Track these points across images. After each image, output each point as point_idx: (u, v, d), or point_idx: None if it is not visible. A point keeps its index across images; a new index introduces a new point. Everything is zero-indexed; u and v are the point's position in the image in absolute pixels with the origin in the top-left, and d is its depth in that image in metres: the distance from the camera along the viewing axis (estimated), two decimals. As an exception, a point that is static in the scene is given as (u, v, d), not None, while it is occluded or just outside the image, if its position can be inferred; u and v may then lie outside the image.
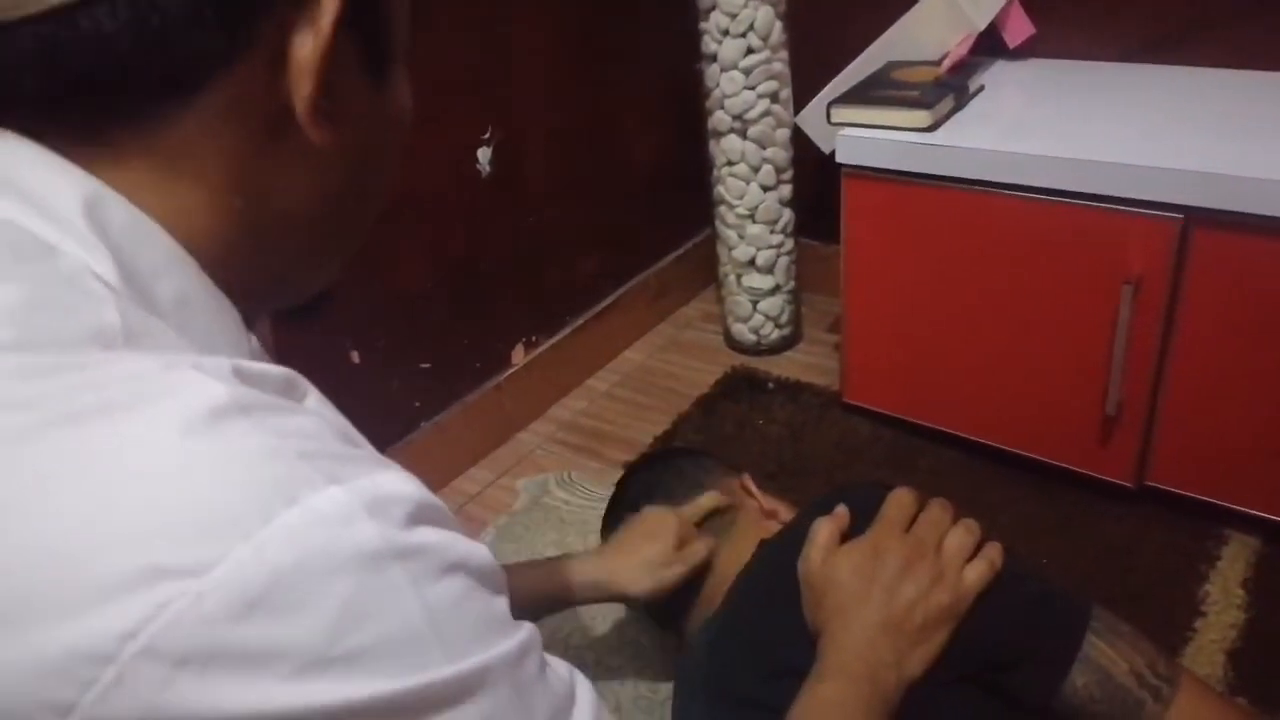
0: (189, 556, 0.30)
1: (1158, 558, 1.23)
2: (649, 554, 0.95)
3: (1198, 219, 1.12)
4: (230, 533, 0.30)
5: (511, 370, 1.63)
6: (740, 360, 1.78)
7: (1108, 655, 0.72)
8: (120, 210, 0.38)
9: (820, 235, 1.81)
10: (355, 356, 1.38)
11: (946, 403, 1.44)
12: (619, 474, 1.19)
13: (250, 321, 0.44)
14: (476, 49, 1.45)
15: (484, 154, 1.50)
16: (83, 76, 0.36)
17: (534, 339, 1.68)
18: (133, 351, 0.34)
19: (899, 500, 0.80)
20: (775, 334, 1.79)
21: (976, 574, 0.74)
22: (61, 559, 0.29)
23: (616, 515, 1.15)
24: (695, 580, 0.97)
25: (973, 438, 1.42)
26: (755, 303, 1.76)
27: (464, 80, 1.44)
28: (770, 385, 1.69)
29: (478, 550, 0.37)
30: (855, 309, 1.47)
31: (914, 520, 0.78)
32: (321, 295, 0.51)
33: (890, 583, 0.73)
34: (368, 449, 0.38)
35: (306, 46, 0.38)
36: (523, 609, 1.00)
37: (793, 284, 1.78)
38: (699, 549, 0.96)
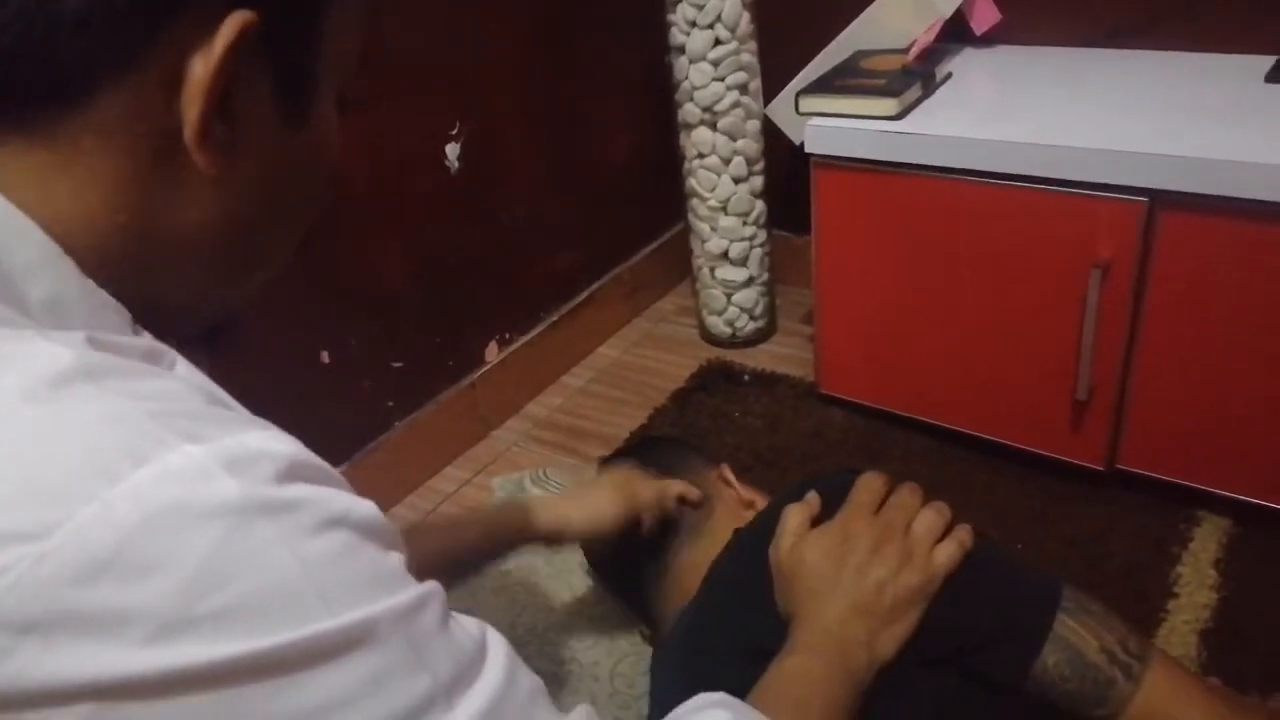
0: (29, 520, 0.29)
1: (1130, 540, 1.23)
2: (597, 498, 0.97)
3: (1163, 201, 1.13)
4: (73, 495, 0.30)
5: (485, 368, 1.62)
6: (715, 353, 1.78)
7: (1078, 634, 0.72)
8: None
9: (793, 227, 1.81)
10: (325, 357, 1.36)
11: (920, 391, 1.44)
12: (594, 469, 1.18)
13: (166, 336, 0.42)
14: (443, 44, 1.44)
15: (452, 150, 1.49)
16: None
17: (507, 336, 1.67)
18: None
19: (868, 484, 0.79)
20: (750, 326, 1.79)
21: (946, 555, 0.74)
22: None
23: None
24: (660, 555, 0.98)
25: (946, 425, 1.43)
26: (729, 295, 1.76)
27: (431, 77, 1.43)
28: (746, 378, 1.69)
29: (363, 506, 0.36)
30: (827, 299, 1.47)
31: (884, 504, 0.78)
32: (221, 328, 0.49)
33: (860, 564, 0.73)
34: (240, 411, 0.37)
35: (199, 69, 0.37)
36: (474, 550, 0.98)
37: (766, 276, 1.78)
38: (644, 491, 0.97)
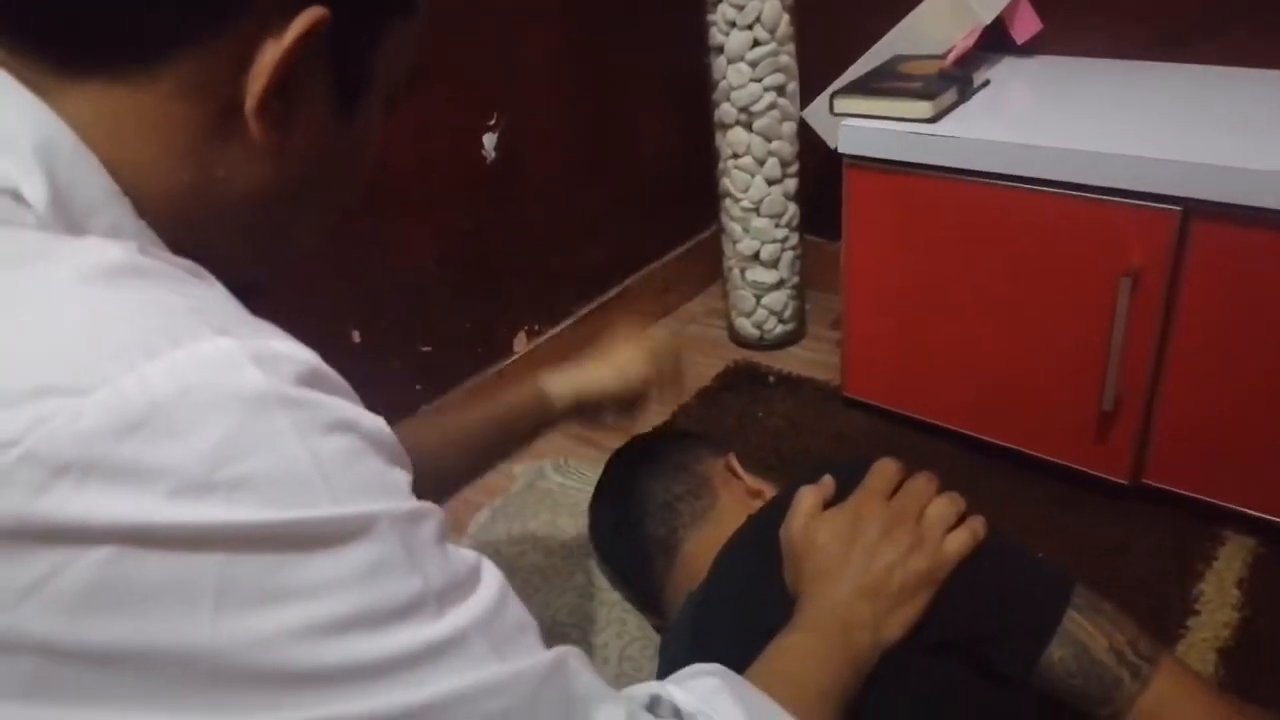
0: (74, 379, 0.32)
1: (1152, 555, 1.21)
2: (624, 356, 0.97)
3: (1196, 211, 1.12)
4: (115, 363, 0.32)
5: (513, 358, 1.64)
6: (743, 354, 1.78)
7: (1087, 631, 0.72)
8: (68, 147, 0.40)
9: (828, 233, 1.80)
10: (356, 336, 1.39)
11: (945, 397, 1.43)
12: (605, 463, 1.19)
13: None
14: (486, 38, 1.46)
15: (490, 140, 1.51)
16: (72, 20, 0.39)
17: (537, 328, 1.69)
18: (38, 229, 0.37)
19: (882, 469, 0.80)
20: (779, 329, 1.79)
21: (957, 542, 0.74)
22: None
23: (602, 498, 1.15)
24: (666, 544, 0.98)
25: (970, 432, 1.42)
26: (759, 297, 1.76)
27: (472, 68, 1.45)
28: (771, 379, 1.69)
29: (374, 421, 0.38)
30: (855, 301, 1.47)
31: (898, 490, 0.78)
32: (250, 287, 0.52)
33: (869, 547, 0.73)
34: (271, 327, 0.39)
35: (270, 53, 0.41)
36: (503, 431, 0.94)
37: (797, 279, 1.78)
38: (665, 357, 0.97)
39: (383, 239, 1.39)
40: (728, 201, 1.72)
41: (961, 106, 1.36)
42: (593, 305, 1.79)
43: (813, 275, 1.83)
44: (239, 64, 0.41)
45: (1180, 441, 1.24)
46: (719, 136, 1.68)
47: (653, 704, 0.51)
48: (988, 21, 1.44)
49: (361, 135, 0.49)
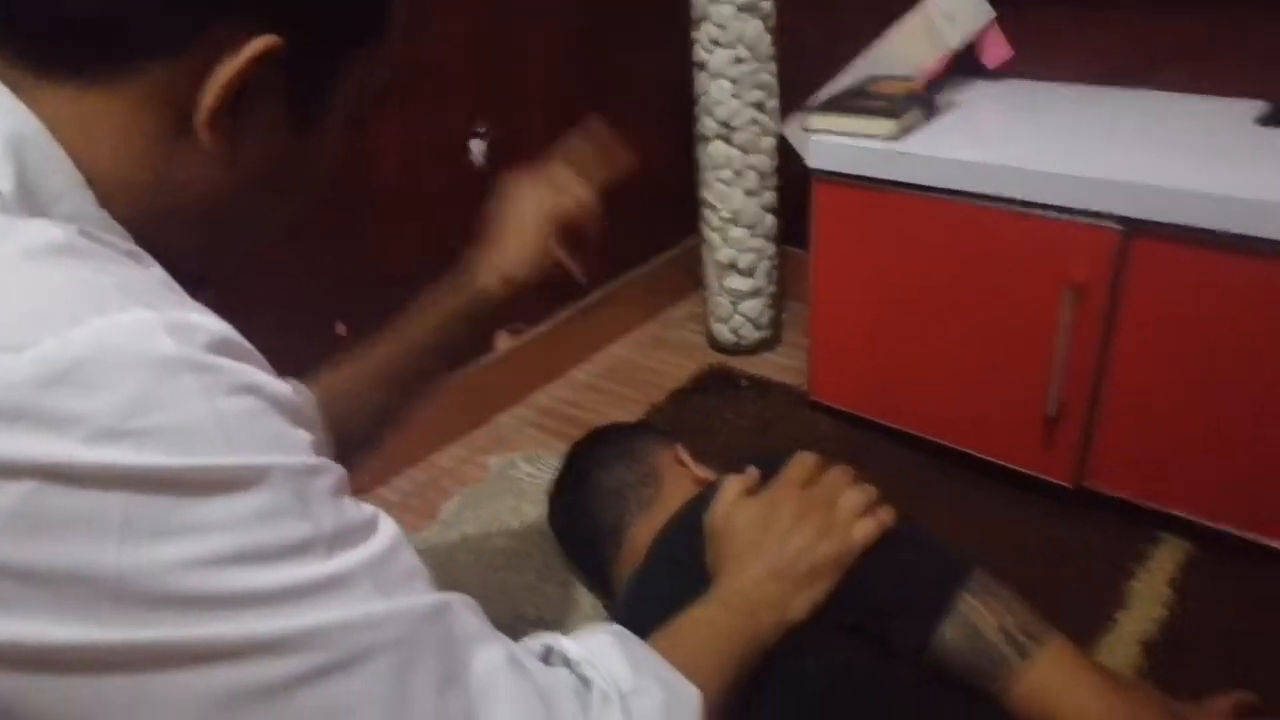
0: (9, 339, 0.38)
1: (1090, 555, 1.27)
2: (518, 238, 0.98)
3: (1137, 229, 1.18)
4: (43, 327, 0.38)
5: (494, 355, 1.71)
6: (719, 359, 1.84)
7: (979, 612, 0.77)
8: (38, 140, 0.46)
9: (803, 244, 1.86)
10: (341, 329, 1.46)
11: (904, 402, 1.49)
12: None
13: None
14: (477, 46, 1.53)
15: (477, 146, 1.58)
16: (56, 30, 0.45)
17: (520, 327, 1.75)
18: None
19: (801, 461, 0.86)
20: (754, 335, 1.85)
21: (864, 530, 0.80)
22: None
23: (559, 485, 1.21)
24: (616, 529, 1.03)
25: (927, 436, 1.48)
26: (735, 304, 1.82)
27: (464, 76, 1.53)
28: (743, 383, 1.75)
29: (278, 384, 0.44)
30: (822, 309, 1.53)
31: (814, 480, 0.84)
32: (205, 277, 0.57)
33: (782, 532, 0.79)
34: (195, 304, 0.45)
35: (224, 71, 0.47)
36: (402, 362, 0.95)
37: (773, 288, 1.84)
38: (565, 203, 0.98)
39: (371, 237, 1.46)
40: (707, 211, 1.79)
41: (927, 126, 1.42)
42: (576, 308, 1.85)
43: (791, 285, 1.89)
44: (199, 78, 0.47)
45: (1120, 448, 1.29)
46: (700, 149, 1.75)
47: (546, 654, 0.57)
48: (956, 48, 1.50)
49: (320, 147, 0.54)
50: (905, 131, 1.39)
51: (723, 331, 1.86)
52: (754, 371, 1.78)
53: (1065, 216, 1.22)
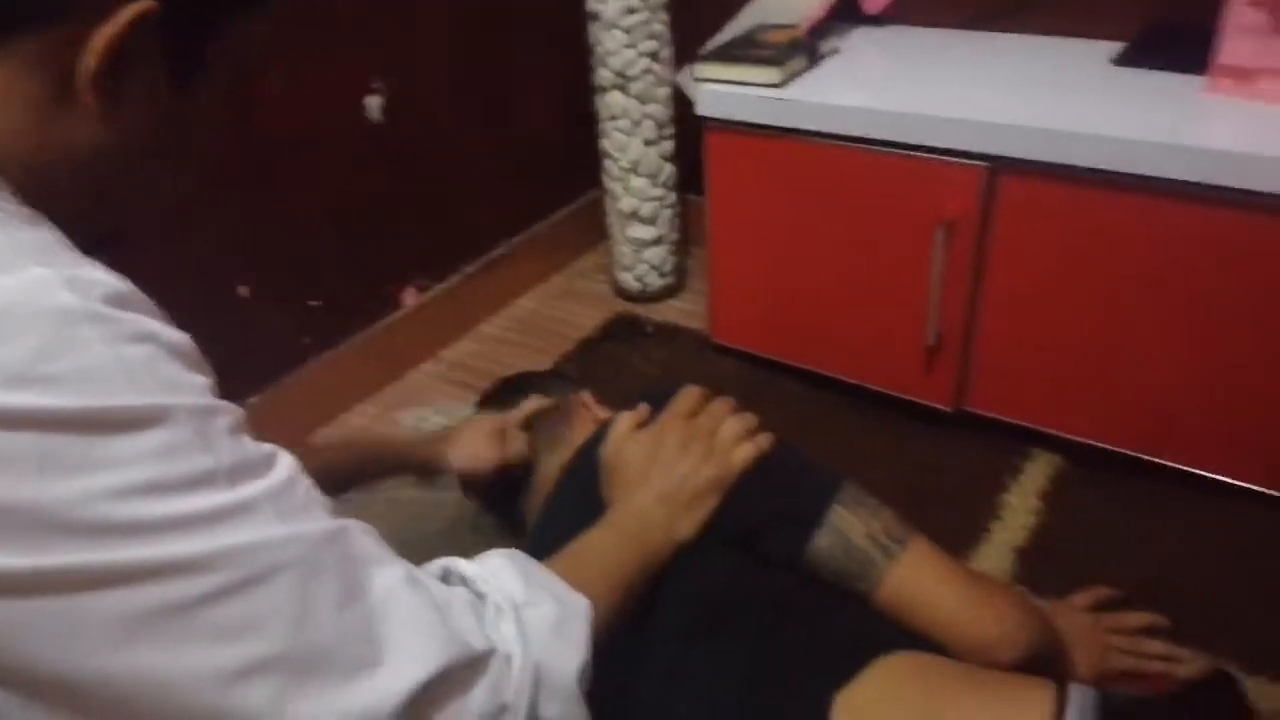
0: None
1: (968, 471, 1.37)
2: (475, 444, 1.10)
3: (1002, 166, 1.25)
4: None
5: (403, 312, 1.73)
6: (625, 307, 1.89)
7: (848, 521, 0.85)
8: None
9: (703, 191, 1.91)
10: (244, 291, 1.46)
11: (798, 339, 1.57)
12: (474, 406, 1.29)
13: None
14: (370, 7, 1.53)
15: (374, 103, 1.59)
16: None
17: (425, 283, 1.77)
18: None
19: (686, 394, 0.92)
20: (659, 282, 1.91)
21: (743, 453, 0.86)
22: None
23: None
24: (526, 479, 1.09)
25: (820, 371, 1.56)
26: (639, 252, 1.87)
27: (355, 31, 1.52)
28: (649, 329, 1.81)
29: (174, 333, 0.48)
30: (720, 253, 1.59)
31: (698, 411, 0.90)
32: (108, 237, 0.59)
33: (667, 460, 0.85)
34: (90, 261, 0.48)
35: (102, 35, 0.49)
36: (346, 474, 1.08)
37: (676, 236, 1.89)
38: (516, 445, 1.09)
39: (269, 197, 1.46)
40: (608, 162, 1.82)
41: (810, 72, 1.48)
42: (481, 262, 1.88)
43: (694, 232, 1.95)
44: (79, 44, 0.49)
45: (995, 372, 1.39)
46: (598, 99, 1.78)
47: (444, 575, 0.62)
48: (835, -7, 1.56)
49: (198, 109, 0.57)
50: (789, 79, 1.45)
51: (628, 280, 1.91)
52: (659, 318, 1.83)
53: (936, 157, 1.29)
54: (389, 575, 0.53)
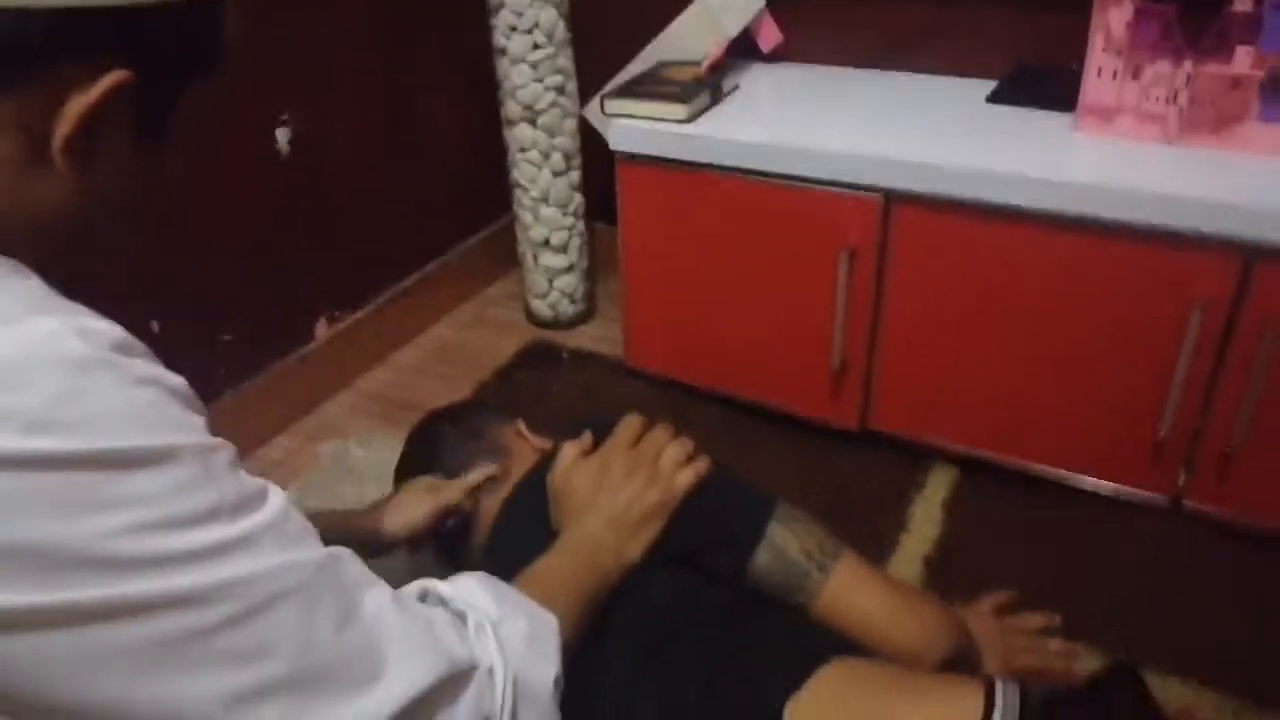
0: None
1: (875, 486, 1.46)
2: (408, 505, 1.09)
3: (895, 198, 1.35)
4: None
5: (315, 344, 1.72)
6: (538, 334, 1.92)
7: (785, 538, 0.91)
8: None
9: (614, 220, 1.97)
10: (155, 326, 1.43)
11: (710, 364, 1.63)
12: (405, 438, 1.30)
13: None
14: (278, 38, 1.53)
15: (282, 134, 1.58)
16: None
17: (337, 314, 1.76)
18: None
19: (628, 423, 0.96)
20: (571, 309, 1.95)
21: (685, 478, 0.91)
22: None
23: (404, 467, 1.26)
24: (470, 524, 1.10)
25: (733, 394, 1.63)
26: (551, 280, 1.91)
27: (262, 67, 1.52)
28: (564, 355, 1.84)
29: (175, 377, 0.51)
30: (633, 281, 1.64)
31: (640, 439, 0.95)
32: (67, 284, 0.59)
33: (614, 486, 0.89)
34: (85, 309, 0.50)
35: (78, 103, 0.51)
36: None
37: (586, 263, 1.94)
38: (449, 492, 1.09)
39: (179, 231, 1.44)
40: (518, 192, 1.86)
41: (713, 109, 1.55)
42: (393, 291, 1.88)
43: (604, 259, 2.00)
44: (50, 107, 0.51)
45: (896, 391, 1.48)
46: (507, 131, 1.81)
47: (423, 595, 0.65)
48: (733, 35, 1.64)
49: (157, 167, 0.59)
50: (695, 115, 1.52)
51: (541, 307, 1.94)
52: (573, 344, 1.87)
53: (836, 189, 1.38)
54: (378, 597, 0.56)
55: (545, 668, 0.64)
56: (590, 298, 1.98)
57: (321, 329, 1.73)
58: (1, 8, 0.48)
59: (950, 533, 1.38)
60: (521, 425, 1.20)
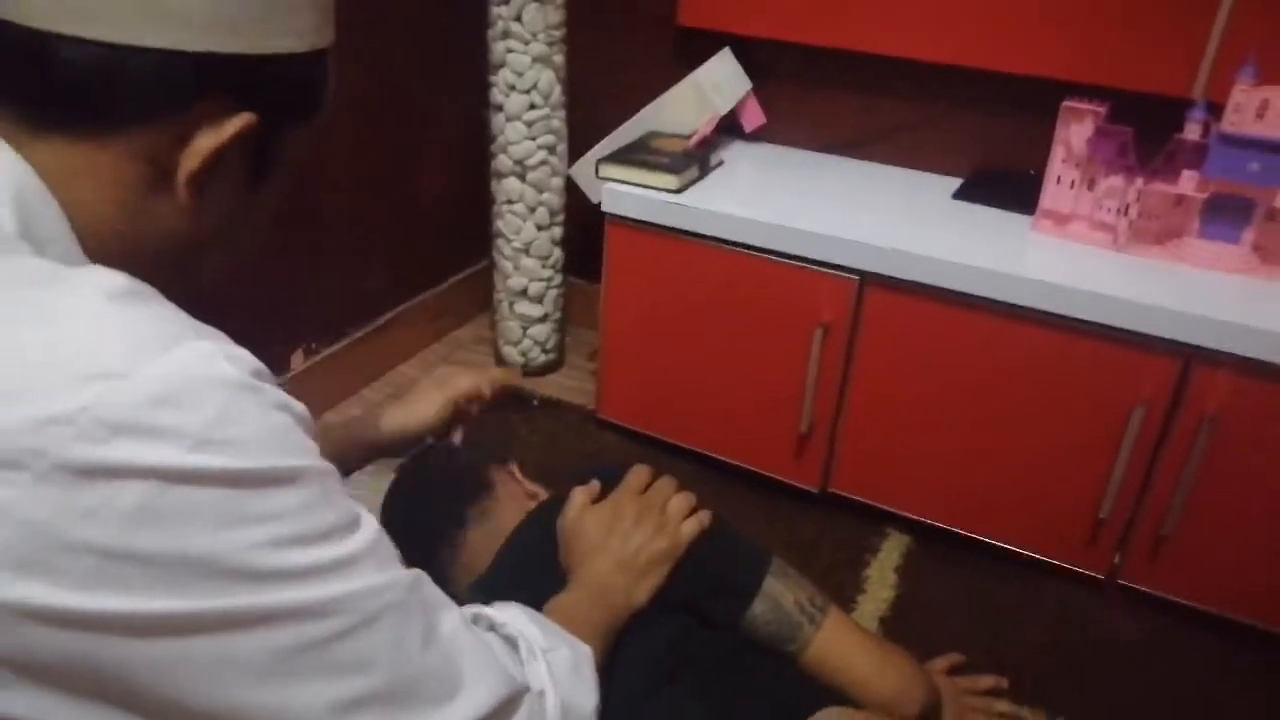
0: (119, 365, 0.45)
1: (834, 547, 1.54)
2: (422, 399, 1.13)
3: (869, 280, 1.45)
4: (143, 355, 0.46)
5: (290, 374, 1.73)
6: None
7: (779, 590, 0.97)
8: (34, 190, 0.53)
9: (585, 274, 2.05)
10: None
11: (681, 421, 1.70)
12: (387, 474, 1.32)
13: None
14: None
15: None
16: (54, 93, 0.53)
17: (314, 346, 1.78)
18: (36, 257, 0.51)
19: (637, 473, 1.02)
20: (541, 358, 2.00)
21: (690, 528, 0.97)
22: (41, 366, 0.45)
23: (393, 501, 1.29)
24: (453, 537, 1.13)
25: (701, 450, 1.69)
26: (525, 329, 1.96)
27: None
28: (535, 402, 1.89)
29: (299, 405, 0.54)
30: (612, 337, 1.71)
31: (648, 488, 1.01)
32: None
33: (624, 532, 0.95)
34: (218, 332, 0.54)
35: (206, 140, 0.55)
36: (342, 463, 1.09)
37: (559, 315, 2.00)
38: (462, 380, 1.13)
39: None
40: (500, 242, 1.91)
41: (701, 182, 1.65)
42: (369, 328, 1.91)
43: (572, 311, 2.06)
44: (179, 141, 0.55)
45: (857, 458, 1.57)
46: (495, 183, 1.87)
47: (474, 619, 0.69)
48: (723, 113, 1.74)
49: (265, 202, 0.64)
50: (685, 186, 1.60)
51: (512, 354, 1.99)
52: (543, 393, 1.92)
53: (816, 267, 1.48)
54: (452, 619, 0.60)
55: (588, 695, 0.69)
56: (560, 348, 2.04)
57: (298, 360, 1.75)
58: (157, 48, 0.53)
59: (903, 596, 1.46)
60: (515, 467, 1.25)
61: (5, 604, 0.43)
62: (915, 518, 1.57)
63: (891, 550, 1.55)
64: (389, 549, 0.58)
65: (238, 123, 0.56)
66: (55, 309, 0.47)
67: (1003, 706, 1.23)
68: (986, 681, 1.26)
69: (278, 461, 0.50)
